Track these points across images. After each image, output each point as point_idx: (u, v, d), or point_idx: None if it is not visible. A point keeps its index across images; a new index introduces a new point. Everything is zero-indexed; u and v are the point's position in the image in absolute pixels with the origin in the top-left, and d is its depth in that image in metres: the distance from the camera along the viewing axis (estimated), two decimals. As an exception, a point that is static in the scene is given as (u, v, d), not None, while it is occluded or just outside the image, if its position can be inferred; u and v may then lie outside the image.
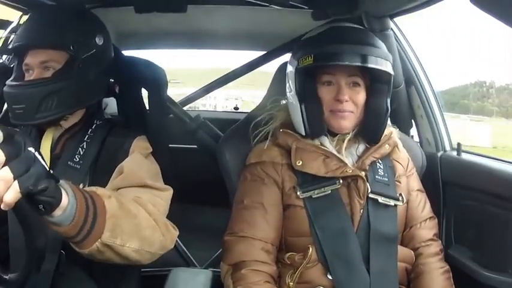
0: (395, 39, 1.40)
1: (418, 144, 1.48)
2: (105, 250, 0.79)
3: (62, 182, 0.70)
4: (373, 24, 1.32)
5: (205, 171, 1.56)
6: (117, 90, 1.19)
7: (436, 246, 1.17)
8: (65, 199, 0.69)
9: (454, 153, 1.42)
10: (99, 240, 0.76)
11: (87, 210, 0.73)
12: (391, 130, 1.19)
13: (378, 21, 1.32)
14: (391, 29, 1.37)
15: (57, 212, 0.69)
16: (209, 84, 2.03)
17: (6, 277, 0.71)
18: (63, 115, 1.03)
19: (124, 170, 0.97)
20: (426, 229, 1.17)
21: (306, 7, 1.42)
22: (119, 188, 0.94)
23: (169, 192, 1.01)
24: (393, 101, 1.13)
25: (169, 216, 0.96)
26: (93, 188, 0.81)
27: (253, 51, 2.03)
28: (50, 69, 1.02)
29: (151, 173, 1.01)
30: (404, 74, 1.45)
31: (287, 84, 1.15)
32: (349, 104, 1.08)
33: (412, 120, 1.55)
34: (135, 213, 0.84)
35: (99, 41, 1.07)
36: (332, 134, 1.12)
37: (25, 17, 1.27)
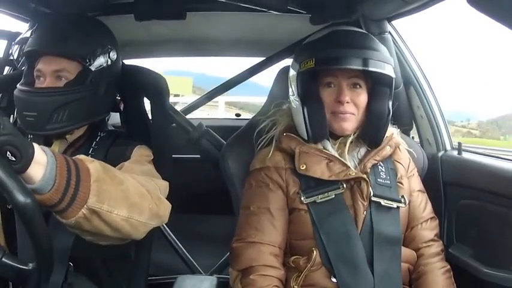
0: (393, 42, 1.41)
1: (419, 145, 1.48)
2: (92, 217, 0.75)
3: (41, 146, 0.69)
4: (371, 28, 1.33)
5: (207, 180, 1.57)
6: (121, 108, 1.19)
7: (437, 247, 1.17)
8: (42, 156, 0.67)
9: (455, 152, 1.42)
10: (85, 206, 0.72)
11: (68, 172, 0.70)
12: (392, 131, 1.19)
13: (376, 24, 1.34)
14: (389, 32, 1.38)
15: (36, 171, 0.66)
16: (210, 91, 2.03)
17: (29, 268, 0.69)
18: (72, 128, 1.03)
19: (124, 167, 0.98)
20: (427, 230, 1.17)
21: (304, 12, 1.42)
22: None
23: (165, 183, 1.00)
24: (393, 103, 1.14)
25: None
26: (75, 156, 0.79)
27: (253, 57, 2.02)
28: (62, 79, 1.01)
29: (150, 174, 1.01)
30: (403, 76, 1.45)
31: (290, 89, 1.16)
32: (350, 105, 1.09)
33: (412, 121, 1.54)
34: (122, 178, 0.82)
35: (112, 55, 1.06)
36: (334, 136, 1.13)
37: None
